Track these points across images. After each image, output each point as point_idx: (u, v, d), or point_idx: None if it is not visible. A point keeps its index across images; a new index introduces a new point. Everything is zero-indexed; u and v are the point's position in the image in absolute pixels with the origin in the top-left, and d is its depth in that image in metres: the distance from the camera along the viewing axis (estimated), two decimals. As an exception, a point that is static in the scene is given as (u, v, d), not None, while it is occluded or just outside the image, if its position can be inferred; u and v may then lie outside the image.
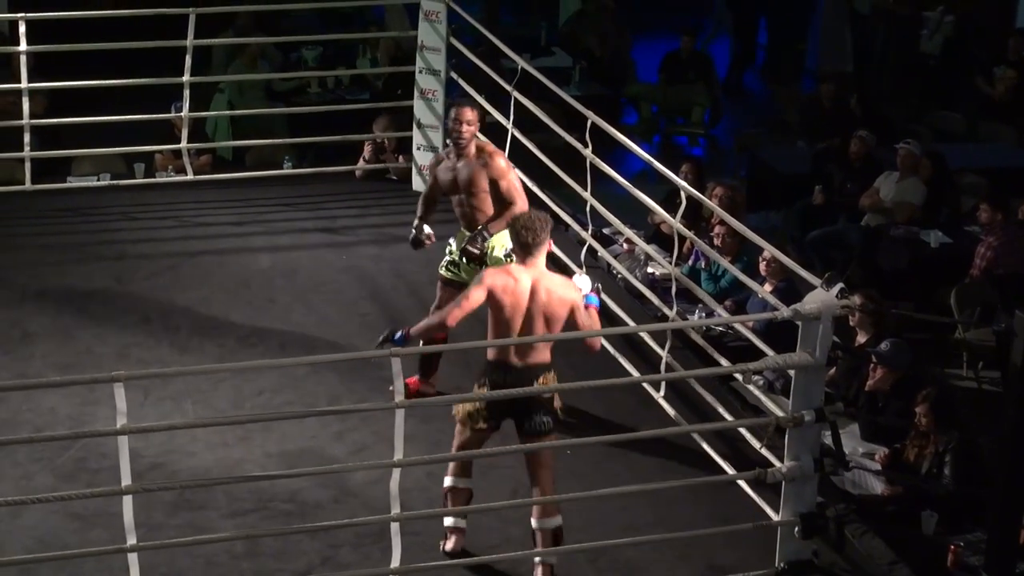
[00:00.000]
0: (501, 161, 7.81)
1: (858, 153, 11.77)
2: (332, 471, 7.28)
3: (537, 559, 6.65)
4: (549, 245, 6.77)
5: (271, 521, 7.08)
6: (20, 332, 8.82)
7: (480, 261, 7.66)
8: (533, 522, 6.71)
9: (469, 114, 7.75)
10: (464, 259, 7.77)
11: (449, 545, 6.89)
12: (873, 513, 7.31)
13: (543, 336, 6.60)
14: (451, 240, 8.05)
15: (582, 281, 6.82)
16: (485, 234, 7.71)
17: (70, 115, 10.83)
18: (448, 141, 8.04)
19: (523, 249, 6.64)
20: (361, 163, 11.29)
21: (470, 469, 6.94)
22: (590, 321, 6.71)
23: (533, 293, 6.59)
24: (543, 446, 6.64)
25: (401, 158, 11.31)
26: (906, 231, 10.99)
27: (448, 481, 6.91)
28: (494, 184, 7.73)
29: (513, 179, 7.80)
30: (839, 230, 11.30)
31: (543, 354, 6.65)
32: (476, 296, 6.61)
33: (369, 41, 13.39)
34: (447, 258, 8.03)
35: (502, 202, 7.74)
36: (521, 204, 7.70)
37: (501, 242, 7.68)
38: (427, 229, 8.06)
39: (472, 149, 7.78)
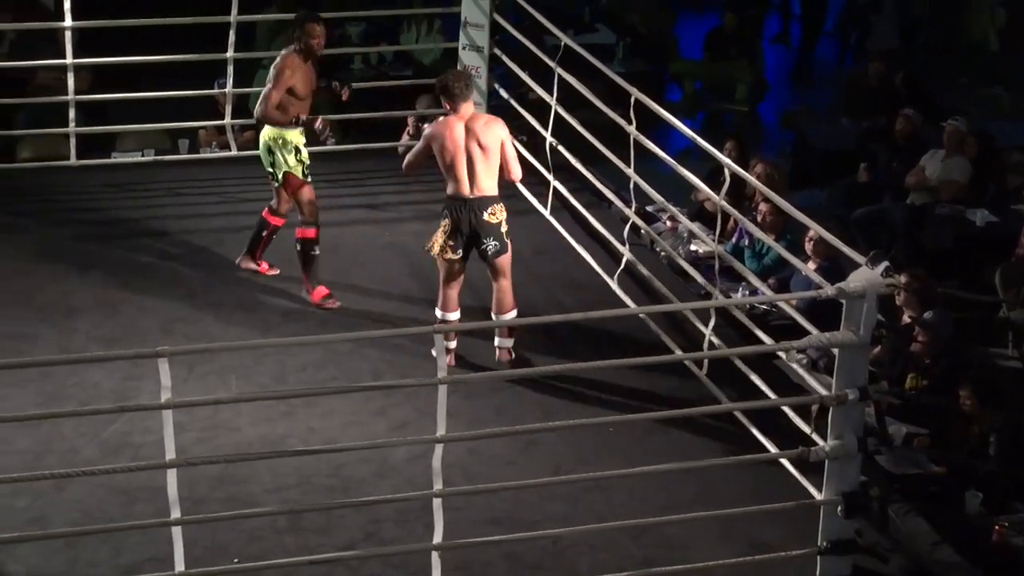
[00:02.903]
0: None
1: (904, 131, 11.69)
2: (375, 447, 7.29)
3: (496, 344, 8.32)
4: (471, 97, 8.14)
5: (314, 496, 7.11)
6: (65, 306, 8.88)
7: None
8: (493, 316, 8.29)
9: (320, 28, 8.94)
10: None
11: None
12: (917, 493, 7.28)
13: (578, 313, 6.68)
14: (294, 148, 8.86)
15: None
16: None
17: (115, 91, 10.88)
18: (298, 51, 8.91)
19: (454, 99, 8.03)
20: (404, 139, 11.28)
21: (456, 303, 8.26)
22: (513, 152, 8.15)
23: (468, 133, 7.99)
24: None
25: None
26: (951, 209, 10.92)
27: (439, 314, 8.26)
28: None
29: None
30: (884, 208, 11.25)
31: (490, 186, 8.06)
32: (421, 147, 8.14)
33: (413, 17, 13.37)
34: (301, 169, 8.91)
35: None
36: None
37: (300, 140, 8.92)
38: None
39: None
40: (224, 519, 6.68)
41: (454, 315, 8.28)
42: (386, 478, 7.25)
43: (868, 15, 15.95)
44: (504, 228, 8.16)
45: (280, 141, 8.83)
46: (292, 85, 8.78)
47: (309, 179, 8.98)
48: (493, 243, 8.14)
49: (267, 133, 8.86)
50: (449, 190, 8.11)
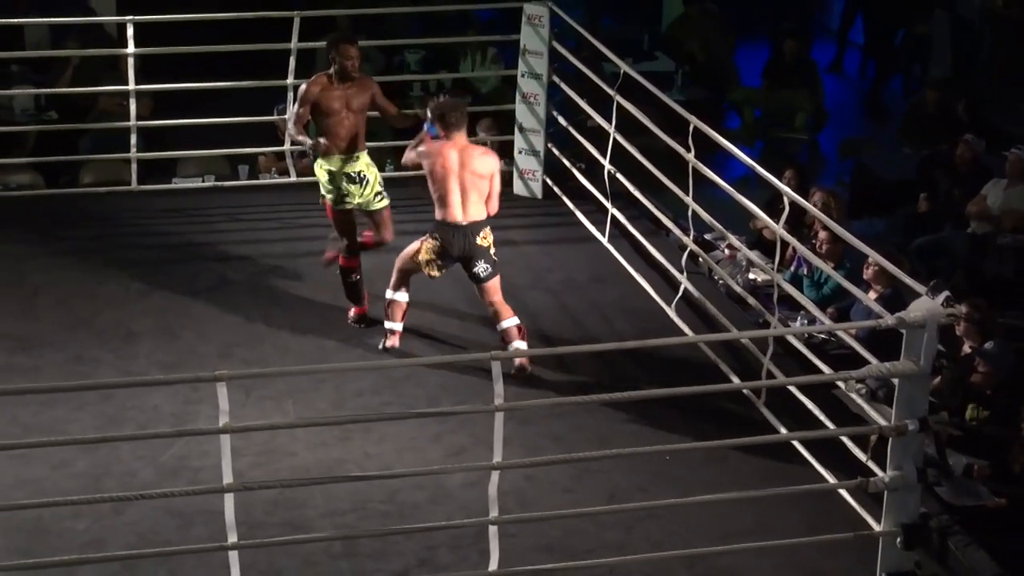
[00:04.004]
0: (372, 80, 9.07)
1: (964, 157, 11.60)
2: (430, 473, 7.29)
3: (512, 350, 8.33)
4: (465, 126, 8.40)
5: (369, 521, 7.12)
6: (125, 331, 8.94)
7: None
8: (498, 326, 8.48)
9: (355, 50, 8.78)
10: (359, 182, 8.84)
11: (389, 343, 8.61)
12: (977, 525, 7.20)
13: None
14: (328, 173, 8.83)
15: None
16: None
17: (175, 117, 10.97)
18: (332, 73, 8.81)
19: (448, 127, 8.28)
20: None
21: (408, 284, 8.58)
22: (499, 187, 8.43)
23: (461, 161, 8.24)
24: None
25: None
26: (1014, 239, 10.81)
27: (389, 294, 8.58)
28: (373, 99, 8.92)
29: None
30: (945, 238, 11.15)
31: (480, 212, 8.33)
32: (411, 156, 8.43)
33: (471, 45, 13.42)
34: (335, 194, 8.83)
35: (385, 108, 9.07)
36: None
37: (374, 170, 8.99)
38: (323, 141, 8.73)
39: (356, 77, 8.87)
40: (280, 544, 6.70)
41: (404, 296, 8.59)
42: (441, 504, 7.25)
43: (928, 44, 15.83)
44: (492, 250, 8.42)
45: (321, 166, 8.82)
46: (317, 101, 8.71)
47: (344, 205, 8.86)
48: (484, 266, 8.38)
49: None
50: (441, 215, 8.34)
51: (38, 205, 10.73)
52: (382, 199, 8.94)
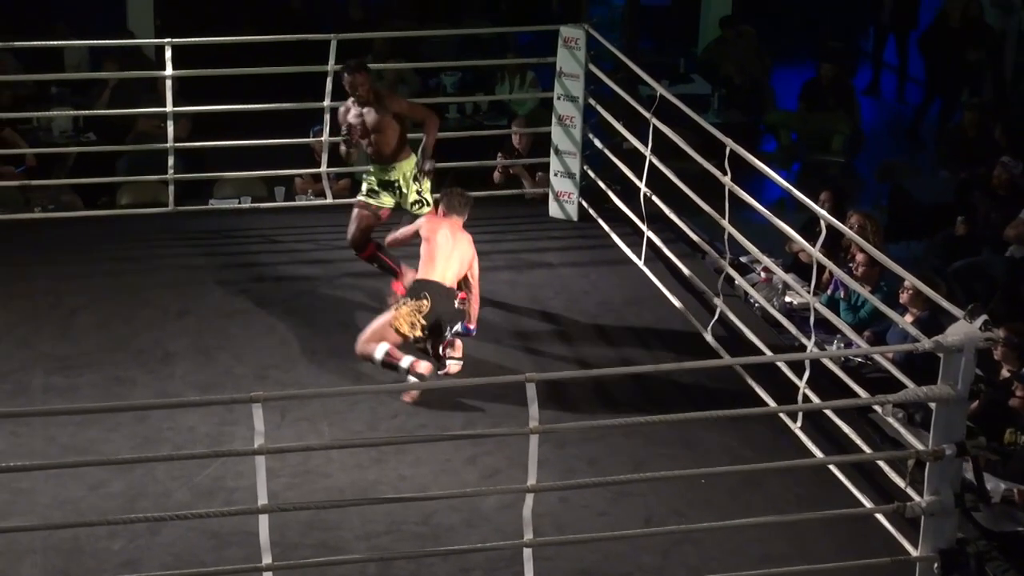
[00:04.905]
0: (395, 97, 9.46)
1: (1001, 179, 11.54)
2: (465, 495, 7.29)
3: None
4: (465, 217, 8.83)
5: (403, 543, 7.11)
6: (161, 352, 8.97)
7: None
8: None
9: (360, 78, 9.13)
10: (416, 183, 9.26)
11: (420, 370, 8.32)
12: (1015, 551, 7.15)
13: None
14: (367, 175, 9.46)
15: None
16: (430, 161, 9.22)
17: (213, 139, 11.02)
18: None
19: (451, 210, 8.77)
20: (496, 175, 11.41)
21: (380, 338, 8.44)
22: (477, 273, 8.80)
23: (453, 239, 8.64)
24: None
25: (539, 175, 11.37)
26: (1053, 263, 10.76)
27: (378, 356, 8.31)
28: (399, 116, 9.23)
29: (407, 103, 9.53)
30: (983, 261, 11.10)
31: (457, 278, 8.65)
32: (414, 228, 8.85)
33: (508, 67, 13.44)
34: (365, 187, 9.37)
35: (417, 121, 9.44)
36: (431, 112, 9.43)
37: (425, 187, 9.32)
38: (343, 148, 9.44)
39: (371, 98, 9.19)
40: (314, 565, 6.69)
41: (385, 345, 8.35)
42: (476, 527, 7.24)
43: (980, 71, 15.72)
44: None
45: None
46: (342, 121, 9.33)
47: (369, 199, 9.33)
48: (458, 328, 8.55)
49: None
50: (421, 274, 8.60)
51: (76, 226, 10.78)
52: (422, 207, 9.25)
